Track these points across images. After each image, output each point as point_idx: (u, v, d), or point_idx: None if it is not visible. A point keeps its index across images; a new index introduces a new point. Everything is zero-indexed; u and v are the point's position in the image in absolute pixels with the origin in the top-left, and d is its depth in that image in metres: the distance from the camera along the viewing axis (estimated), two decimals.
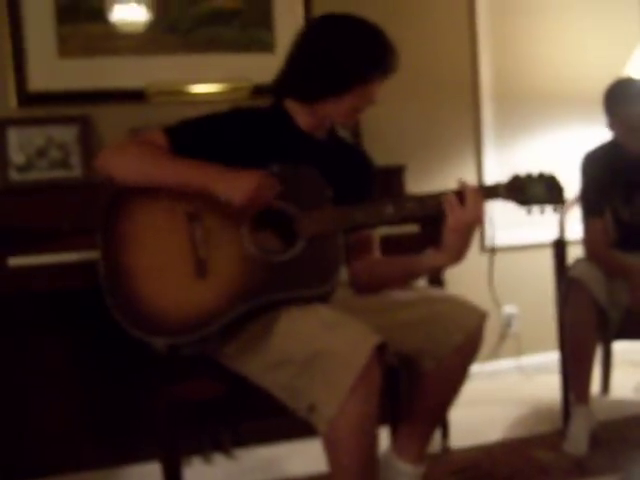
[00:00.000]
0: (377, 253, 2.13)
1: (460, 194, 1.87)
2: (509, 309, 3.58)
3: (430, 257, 1.95)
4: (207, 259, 1.85)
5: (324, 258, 1.87)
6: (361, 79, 1.93)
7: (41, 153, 2.86)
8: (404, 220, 1.94)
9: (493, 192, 1.92)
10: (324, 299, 1.87)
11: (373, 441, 1.74)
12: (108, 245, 1.86)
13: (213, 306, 1.82)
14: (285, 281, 1.84)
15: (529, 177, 1.93)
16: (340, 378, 1.65)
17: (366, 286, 2.07)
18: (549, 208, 1.93)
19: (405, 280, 2.07)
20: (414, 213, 1.92)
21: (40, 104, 2.91)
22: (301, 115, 2.02)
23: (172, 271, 1.85)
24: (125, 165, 1.88)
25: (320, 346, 1.69)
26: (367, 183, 2.15)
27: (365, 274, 2.08)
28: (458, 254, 1.91)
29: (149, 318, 1.81)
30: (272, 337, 1.80)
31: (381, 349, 1.70)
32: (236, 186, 1.81)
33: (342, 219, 1.90)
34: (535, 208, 1.93)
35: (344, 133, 3.03)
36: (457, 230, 1.87)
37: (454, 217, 1.87)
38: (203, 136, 1.94)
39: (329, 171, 1.93)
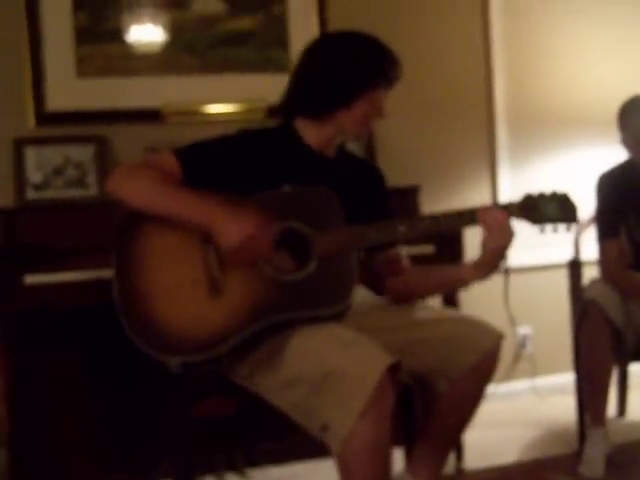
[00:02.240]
0: (407, 264, 2.13)
1: (488, 215, 1.88)
2: (524, 330, 3.56)
3: (468, 270, 1.95)
4: (220, 279, 1.85)
5: (337, 278, 1.87)
6: (367, 84, 1.96)
7: (58, 172, 2.88)
8: (418, 239, 1.94)
9: (506, 210, 1.92)
10: (337, 318, 1.86)
11: (386, 461, 1.73)
12: (122, 265, 1.87)
13: (226, 325, 1.82)
14: (298, 301, 1.84)
15: (542, 196, 1.93)
16: (353, 398, 1.65)
17: (404, 298, 2.08)
18: (562, 227, 1.93)
19: (440, 290, 2.19)
20: (427, 232, 1.92)
21: (57, 123, 2.94)
22: (310, 133, 2.03)
23: (185, 291, 1.85)
24: (132, 193, 1.88)
25: (333, 365, 1.68)
26: (381, 196, 2.16)
27: (402, 288, 2.08)
28: (495, 270, 1.92)
29: (163, 337, 1.81)
30: (285, 356, 1.80)
31: (395, 369, 1.70)
32: (229, 230, 1.80)
33: (355, 238, 1.90)
34: (548, 227, 1.93)
35: (358, 152, 3.04)
36: (499, 252, 1.88)
37: (495, 240, 1.87)
38: (213, 159, 1.95)
39: (341, 188, 1.94)
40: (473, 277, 1.94)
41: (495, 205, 1.95)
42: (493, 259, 1.90)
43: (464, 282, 1.97)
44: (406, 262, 2.12)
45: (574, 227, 1.95)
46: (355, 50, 1.97)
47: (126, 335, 1.81)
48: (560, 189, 1.94)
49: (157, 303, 1.84)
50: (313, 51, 2.02)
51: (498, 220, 1.87)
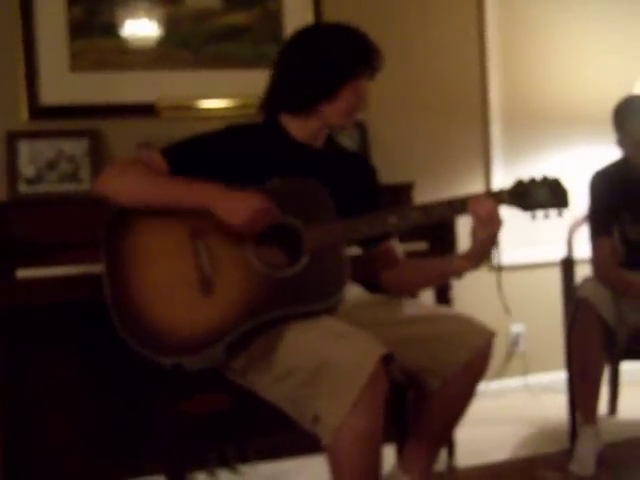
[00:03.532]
0: (402, 256, 2.13)
1: (477, 204, 1.87)
2: (516, 328, 3.56)
3: (458, 262, 1.95)
4: (212, 276, 1.85)
5: (329, 272, 1.87)
6: (348, 74, 1.95)
7: (51, 166, 2.88)
8: (410, 234, 1.93)
9: (497, 198, 1.91)
10: (329, 312, 1.86)
11: (377, 453, 1.73)
12: (112, 263, 1.86)
13: (219, 324, 1.81)
14: (290, 296, 1.84)
15: (533, 181, 1.92)
16: (345, 388, 1.65)
17: (400, 290, 2.09)
18: (554, 212, 1.93)
19: (434, 282, 2.21)
20: (418, 223, 1.92)
21: (51, 117, 2.93)
22: (296, 128, 2.02)
23: (177, 289, 1.85)
24: (125, 188, 1.87)
25: (326, 356, 1.69)
26: (372, 188, 2.15)
27: (397, 280, 2.09)
28: (485, 260, 1.92)
29: (155, 337, 1.81)
30: (278, 350, 1.80)
31: (387, 360, 1.70)
32: (235, 208, 1.81)
33: (346, 231, 1.90)
34: (539, 213, 1.92)
35: (352, 148, 3.03)
36: (488, 243, 1.88)
37: (483, 229, 1.86)
38: (200, 156, 1.94)
39: (330, 180, 1.94)
40: (465, 268, 1.93)
41: (486, 193, 1.95)
42: (483, 249, 1.90)
43: (456, 273, 1.97)
44: (401, 254, 2.13)
45: (565, 212, 1.94)
46: (334, 41, 1.96)
47: (118, 333, 1.80)
48: (551, 174, 1.94)
49: (149, 302, 1.83)
50: (292, 46, 2.02)
51: (487, 209, 1.86)
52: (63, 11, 2.93)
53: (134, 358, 1.82)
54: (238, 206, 1.81)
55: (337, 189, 1.93)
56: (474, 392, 1.98)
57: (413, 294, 2.12)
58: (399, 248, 2.13)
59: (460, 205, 1.90)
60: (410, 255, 2.23)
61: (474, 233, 1.88)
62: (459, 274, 1.97)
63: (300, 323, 1.80)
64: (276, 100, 2.03)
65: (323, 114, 1.98)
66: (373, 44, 1.98)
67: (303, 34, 2.03)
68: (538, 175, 1.93)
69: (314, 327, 1.78)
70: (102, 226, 1.89)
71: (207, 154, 1.94)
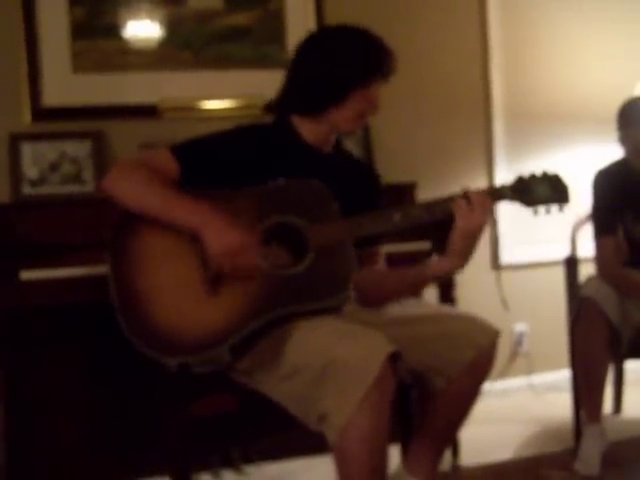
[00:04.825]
0: (382, 266, 2.12)
1: (468, 198, 1.87)
2: (520, 327, 3.56)
3: (437, 264, 1.93)
4: (217, 276, 1.84)
5: (335, 270, 1.86)
6: (359, 82, 1.94)
7: (54, 168, 2.88)
8: (413, 228, 1.93)
9: (498, 194, 1.92)
10: (335, 311, 1.86)
11: (383, 452, 1.73)
12: (118, 264, 1.86)
13: (225, 324, 1.81)
14: (296, 295, 1.84)
15: (533, 177, 1.92)
16: (352, 387, 1.65)
17: (372, 298, 2.05)
18: (555, 207, 1.93)
19: (413, 290, 2.07)
20: (422, 220, 1.91)
21: (54, 119, 2.93)
22: (306, 129, 2.02)
23: (182, 290, 1.85)
24: (125, 193, 1.87)
25: (333, 355, 1.68)
26: (374, 194, 2.15)
27: (371, 286, 2.06)
28: (466, 259, 1.89)
29: (160, 338, 1.81)
30: (285, 349, 1.79)
31: (395, 358, 1.70)
32: (218, 238, 1.80)
33: (350, 229, 1.89)
34: (541, 208, 1.92)
35: (355, 149, 3.04)
36: (467, 235, 1.86)
37: (464, 222, 1.85)
38: (210, 155, 1.94)
39: (336, 184, 1.93)
40: (442, 269, 1.91)
41: (488, 189, 1.95)
42: (465, 242, 1.87)
43: (442, 275, 1.94)
44: (382, 259, 2.12)
45: (566, 207, 1.94)
46: (345, 48, 1.95)
47: (123, 335, 1.80)
48: (551, 169, 1.94)
49: (155, 303, 1.83)
50: (304, 48, 2.01)
51: (479, 199, 1.86)
52: (65, 12, 2.93)
53: (139, 360, 1.82)
54: (221, 237, 1.80)
55: (341, 193, 1.92)
56: (479, 391, 1.97)
57: (384, 303, 2.08)
58: (382, 255, 2.12)
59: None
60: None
61: (454, 228, 1.87)
62: (439, 276, 1.95)
63: (306, 322, 1.80)
64: (287, 101, 2.03)
65: (332, 119, 1.98)
66: (386, 48, 1.97)
67: (316, 37, 2.03)
68: (538, 171, 1.93)
69: (320, 326, 1.78)
70: (108, 228, 1.89)
71: (217, 154, 1.94)
